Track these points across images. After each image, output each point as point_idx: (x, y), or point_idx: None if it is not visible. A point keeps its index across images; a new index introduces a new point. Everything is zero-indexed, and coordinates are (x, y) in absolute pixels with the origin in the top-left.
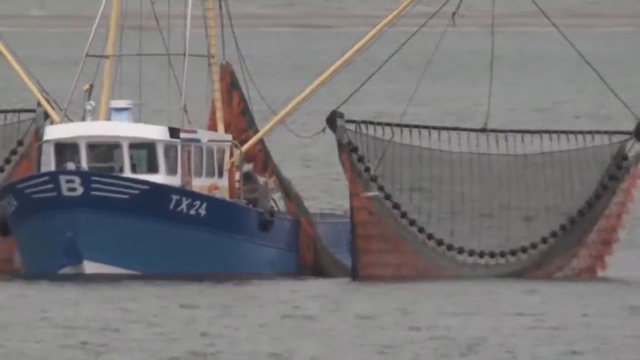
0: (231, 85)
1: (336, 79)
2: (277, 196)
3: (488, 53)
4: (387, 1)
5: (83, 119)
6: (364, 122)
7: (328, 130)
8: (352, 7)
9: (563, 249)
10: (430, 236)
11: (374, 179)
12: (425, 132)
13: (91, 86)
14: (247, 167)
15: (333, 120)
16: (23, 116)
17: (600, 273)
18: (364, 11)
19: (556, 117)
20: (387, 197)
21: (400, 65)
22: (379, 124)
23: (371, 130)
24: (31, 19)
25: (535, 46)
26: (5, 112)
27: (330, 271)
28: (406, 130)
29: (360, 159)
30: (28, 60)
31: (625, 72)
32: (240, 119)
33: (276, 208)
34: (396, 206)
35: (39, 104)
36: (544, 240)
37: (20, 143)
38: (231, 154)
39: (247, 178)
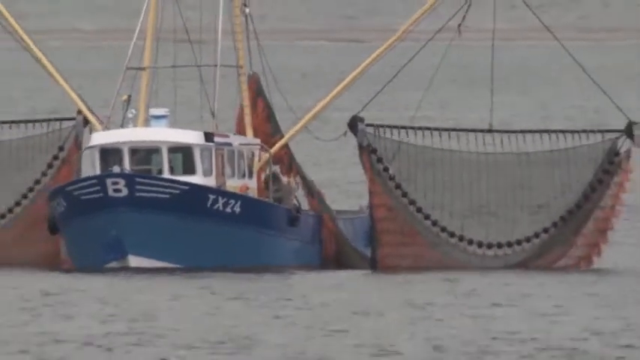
0: (256, 93)
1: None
2: (299, 194)
3: (506, 65)
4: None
5: (123, 126)
6: (382, 126)
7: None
8: (378, 23)
9: (562, 238)
10: (443, 229)
11: (392, 178)
12: (436, 133)
13: (129, 96)
14: (274, 168)
15: (354, 124)
16: (64, 124)
17: (596, 260)
18: (392, 26)
19: (555, 119)
20: (404, 195)
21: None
22: (395, 127)
23: (388, 132)
24: (78, 33)
25: (546, 58)
26: (48, 120)
27: (351, 263)
28: (419, 133)
29: (379, 160)
30: (74, 72)
31: (623, 80)
32: (265, 125)
33: (298, 205)
34: (412, 202)
35: (78, 112)
36: (545, 230)
37: (61, 149)
38: (260, 157)
39: (273, 178)
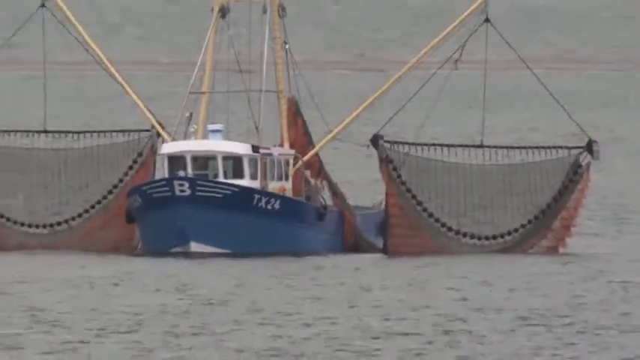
0: (296, 112)
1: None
2: (325, 194)
3: (499, 90)
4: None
5: (186, 138)
6: (396, 142)
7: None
8: (395, 57)
9: (536, 232)
10: (443, 225)
11: (404, 184)
12: (439, 148)
13: (191, 114)
14: (306, 173)
15: (375, 140)
16: (142, 134)
17: (562, 250)
18: (408, 58)
19: (535, 136)
20: (413, 197)
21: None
22: (406, 143)
23: (402, 147)
24: (156, 64)
25: (525, 85)
26: (129, 131)
27: (365, 250)
28: (426, 148)
29: (395, 168)
30: (149, 94)
31: (588, 103)
32: (303, 138)
33: (324, 203)
34: (419, 203)
35: (153, 126)
36: (523, 226)
37: (140, 154)
38: (294, 164)
39: (305, 182)
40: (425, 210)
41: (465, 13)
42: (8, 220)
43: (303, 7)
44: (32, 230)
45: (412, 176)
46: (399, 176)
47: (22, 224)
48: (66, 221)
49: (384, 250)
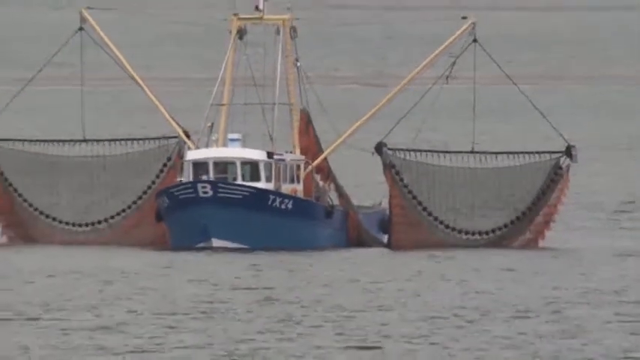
0: (307, 122)
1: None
2: (332, 195)
3: (489, 102)
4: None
5: (208, 146)
6: (400, 149)
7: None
8: (398, 72)
9: (520, 228)
10: (440, 222)
11: (405, 186)
12: (436, 155)
13: (212, 124)
14: (315, 176)
15: (380, 147)
16: (170, 141)
17: (541, 243)
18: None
19: (517, 143)
20: (414, 197)
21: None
22: (407, 150)
23: (402, 154)
24: (183, 81)
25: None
26: (159, 138)
27: (368, 245)
28: (424, 154)
29: (397, 173)
30: (175, 108)
31: (568, 114)
32: (314, 145)
33: (331, 203)
34: (419, 203)
35: (179, 135)
36: (512, 222)
37: (169, 159)
38: (305, 168)
39: (314, 183)
40: (424, 209)
41: (453, 37)
42: (54, 219)
43: (320, 30)
44: (75, 228)
45: (412, 179)
46: (401, 179)
47: (67, 223)
48: (105, 220)
49: (389, 244)
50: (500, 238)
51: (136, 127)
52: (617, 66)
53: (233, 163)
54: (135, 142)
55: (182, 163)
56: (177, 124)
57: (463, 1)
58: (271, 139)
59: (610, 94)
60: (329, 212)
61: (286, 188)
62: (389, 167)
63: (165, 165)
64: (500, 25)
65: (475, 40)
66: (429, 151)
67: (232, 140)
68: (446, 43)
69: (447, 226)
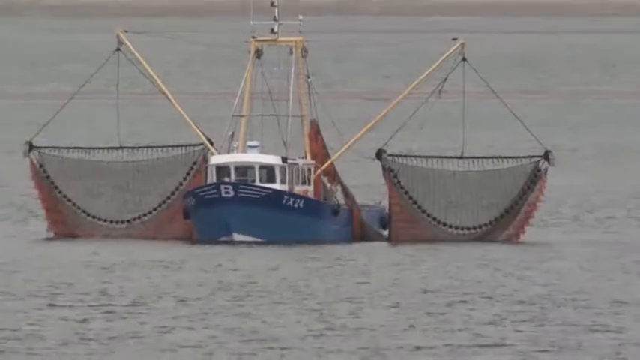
0: (317, 132)
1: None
2: (339, 195)
3: (476, 114)
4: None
5: (229, 152)
6: (398, 155)
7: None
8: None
9: (504, 224)
10: (434, 219)
11: (403, 187)
12: (430, 160)
13: (233, 133)
14: (324, 179)
15: (380, 154)
16: (196, 148)
17: (522, 238)
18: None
19: (501, 149)
20: (410, 198)
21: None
22: (405, 156)
23: (400, 159)
24: (202, 94)
25: (496, 110)
26: (186, 145)
27: (370, 239)
28: (419, 159)
29: (395, 176)
30: (200, 118)
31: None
32: (322, 151)
33: (338, 203)
34: (415, 202)
35: (204, 142)
36: (496, 219)
37: (195, 163)
38: (315, 172)
39: (323, 185)
40: (419, 207)
41: (444, 56)
42: (94, 217)
43: (332, 51)
44: (112, 225)
45: (409, 182)
46: (399, 182)
47: (105, 220)
48: (139, 217)
49: (389, 239)
50: (486, 233)
51: (166, 135)
52: (592, 84)
53: (252, 167)
54: (165, 149)
55: (206, 168)
56: (202, 133)
57: (455, 25)
58: (285, 146)
59: (583, 108)
60: (336, 211)
61: (298, 189)
62: (388, 171)
63: (191, 169)
64: (487, 46)
65: (464, 59)
66: (424, 156)
67: (251, 147)
68: (438, 62)
69: (440, 223)
